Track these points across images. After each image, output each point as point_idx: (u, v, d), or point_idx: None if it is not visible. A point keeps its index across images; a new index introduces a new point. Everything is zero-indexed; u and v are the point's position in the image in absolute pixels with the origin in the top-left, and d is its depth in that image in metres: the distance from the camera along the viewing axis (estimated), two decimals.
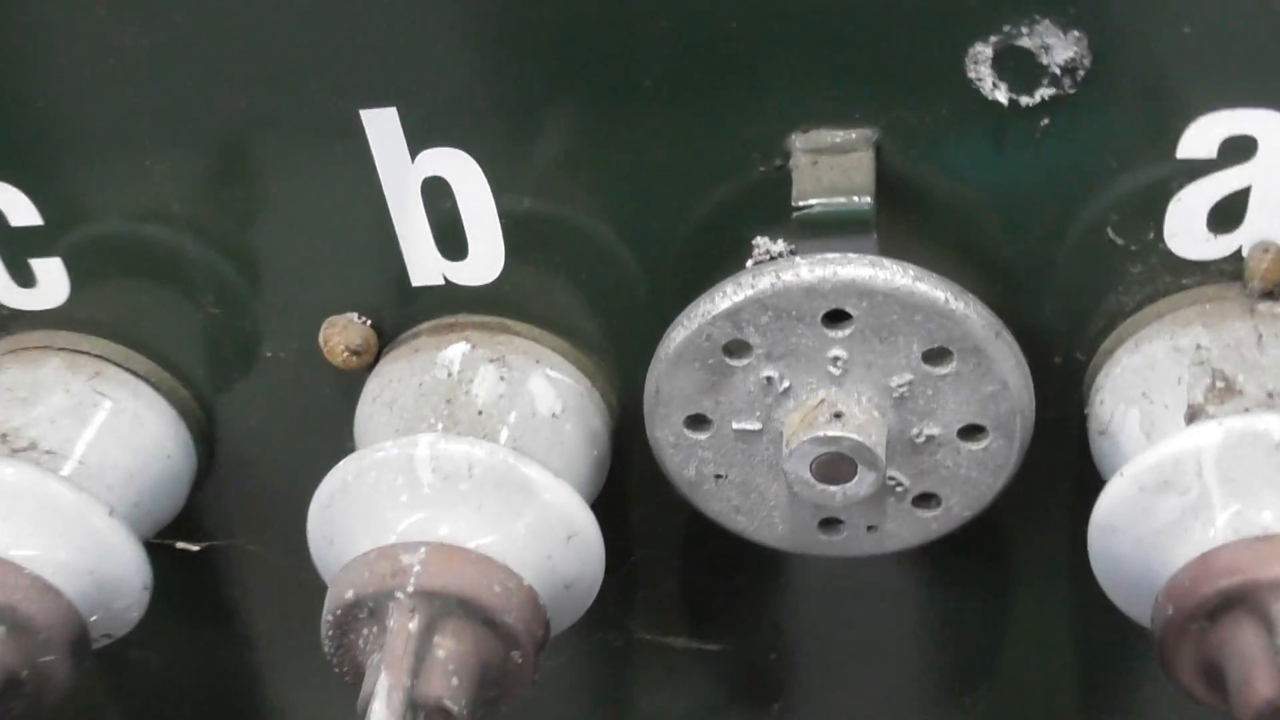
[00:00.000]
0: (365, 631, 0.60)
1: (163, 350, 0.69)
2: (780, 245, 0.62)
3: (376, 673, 0.58)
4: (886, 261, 0.58)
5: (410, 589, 0.59)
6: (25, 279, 0.67)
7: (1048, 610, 0.74)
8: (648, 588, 0.76)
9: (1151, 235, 0.60)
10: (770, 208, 0.61)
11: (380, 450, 0.61)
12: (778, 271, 0.59)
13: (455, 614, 0.59)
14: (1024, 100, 0.57)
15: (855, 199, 0.58)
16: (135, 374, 0.69)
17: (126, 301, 0.68)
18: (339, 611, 0.60)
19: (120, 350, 0.69)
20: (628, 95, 0.59)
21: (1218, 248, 0.60)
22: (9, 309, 0.69)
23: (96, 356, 0.69)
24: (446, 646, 0.59)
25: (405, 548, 0.60)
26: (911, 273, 0.58)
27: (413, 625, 0.58)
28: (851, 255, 0.58)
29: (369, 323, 0.67)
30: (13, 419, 0.66)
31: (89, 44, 0.60)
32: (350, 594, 0.60)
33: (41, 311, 0.68)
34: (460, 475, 0.61)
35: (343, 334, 0.66)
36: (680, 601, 0.77)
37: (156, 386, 0.69)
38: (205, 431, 0.71)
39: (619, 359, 0.67)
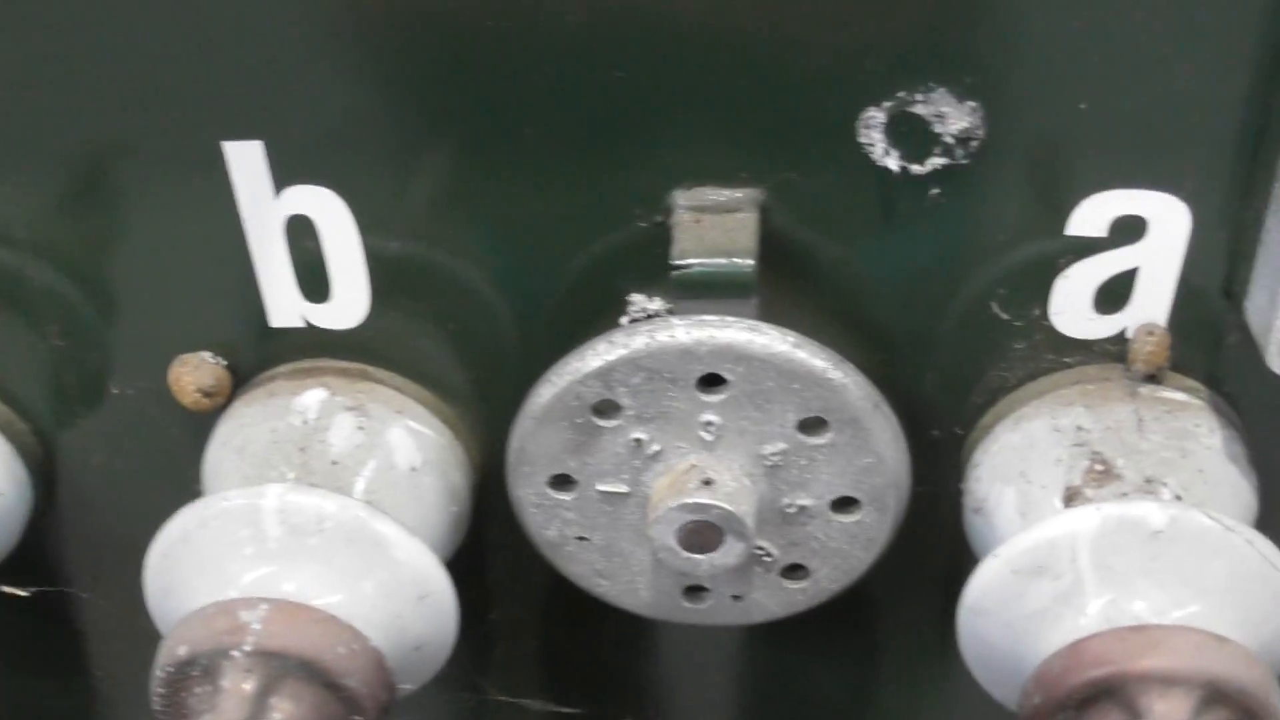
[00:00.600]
0: (198, 690, 0.57)
1: (1, 382, 0.65)
2: (657, 304, 0.60)
3: None
4: (765, 327, 0.56)
5: (248, 648, 0.55)
6: None
7: (915, 686, 0.72)
8: (504, 648, 0.73)
9: (1037, 312, 0.59)
10: (649, 264, 0.59)
11: (225, 499, 0.58)
12: (652, 331, 0.56)
13: (294, 676, 0.56)
14: (914, 168, 0.55)
15: (737, 260, 0.56)
16: None
17: None
18: (170, 669, 0.57)
19: None
20: (507, 141, 0.57)
21: (1102, 328, 0.59)
22: None
23: None
24: (284, 710, 0.56)
25: (245, 604, 0.56)
26: (791, 339, 0.56)
27: (248, 686, 0.55)
28: (730, 318, 0.56)
29: (223, 363, 0.64)
30: None
31: None
32: (183, 650, 0.56)
33: None
34: (309, 529, 0.58)
35: (194, 373, 0.63)
36: (538, 663, 0.74)
37: None
38: (44, 469, 0.67)
39: (484, 412, 0.65)
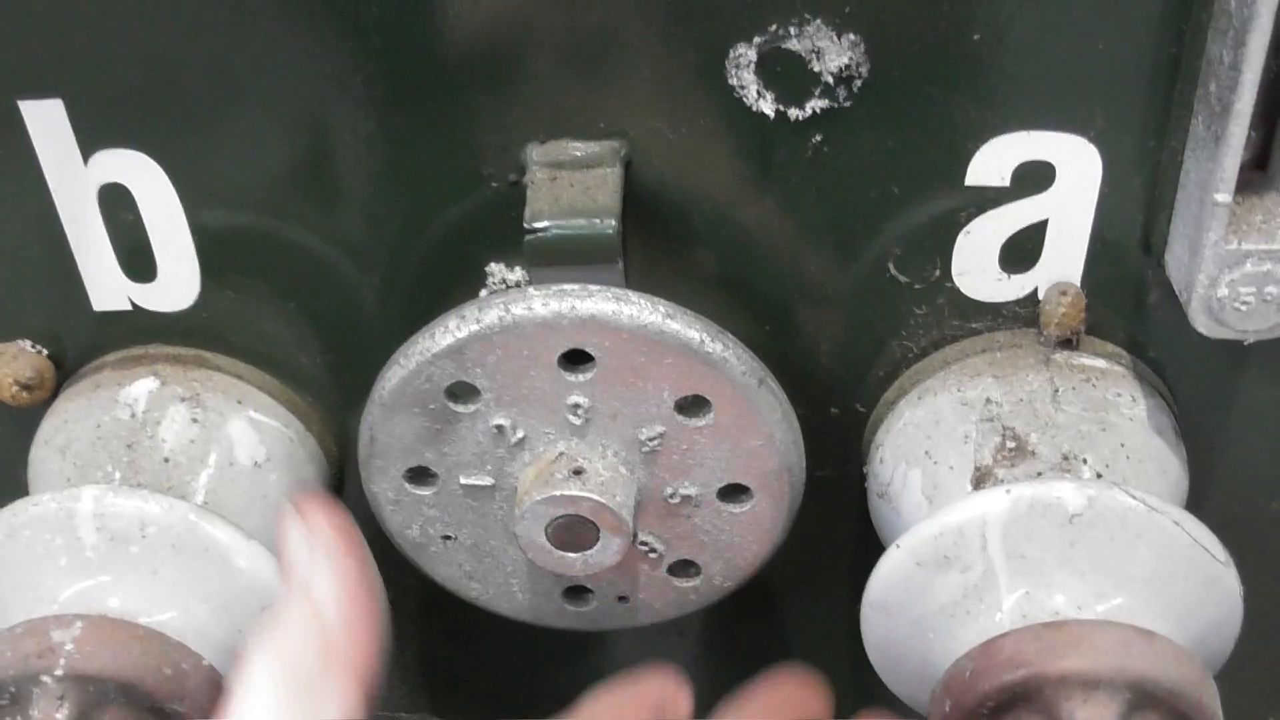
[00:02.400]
0: None
1: None
2: (518, 274, 0.54)
3: None
4: (633, 296, 0.50)
5: (59, 672, 0.49)
6: None
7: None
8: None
9: (938, 273, 0.53)
10: (506, 230, 0.53)
11: (35, 504, 0.52)
12: (507, 304, 0.50)
13: (115, 702, 0.50)
14: (793, 113, 0.50)
15: (598, 221, 0.50)
16: None
17: None
18: None
19: None
20: (336, 95, 0.51)
21: (1011, 289, 0.54)
22: None
23: None
24: None
25: (58, 622, 0.50)
26: (662, 309, 0.50)
27: (60, 715, 0.49)
28: (593, 287, 0.50)
29: (44, 352, 0.57)
30: None
31: None
32: None
33: None
34: (131, 536, 0.52)
35: (11, 365, 0.57)
36: (418, 672, 0.68)
37: None
38: None
39: (339, 398, 0.59)
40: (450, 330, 0.51)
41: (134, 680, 0.50)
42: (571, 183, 0.51)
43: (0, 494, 0.56)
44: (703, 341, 0.50)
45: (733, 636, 0.65)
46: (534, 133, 0.51)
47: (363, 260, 0.55)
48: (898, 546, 0.51)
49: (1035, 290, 0.53)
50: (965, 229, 0.52)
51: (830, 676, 0.65)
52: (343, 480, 0.61)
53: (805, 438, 0.54)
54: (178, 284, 0.55)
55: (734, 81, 0.49)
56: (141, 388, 0.56)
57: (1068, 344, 0.54)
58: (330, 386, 0.58)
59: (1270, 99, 0.46)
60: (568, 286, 0.50)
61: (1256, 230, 0.47)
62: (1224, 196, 0.46)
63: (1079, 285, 0.53)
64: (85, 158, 0.52)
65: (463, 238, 0.54)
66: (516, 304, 0.50)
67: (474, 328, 0.51)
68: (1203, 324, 0.49)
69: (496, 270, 0.54)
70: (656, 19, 0.48)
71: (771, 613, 0.64)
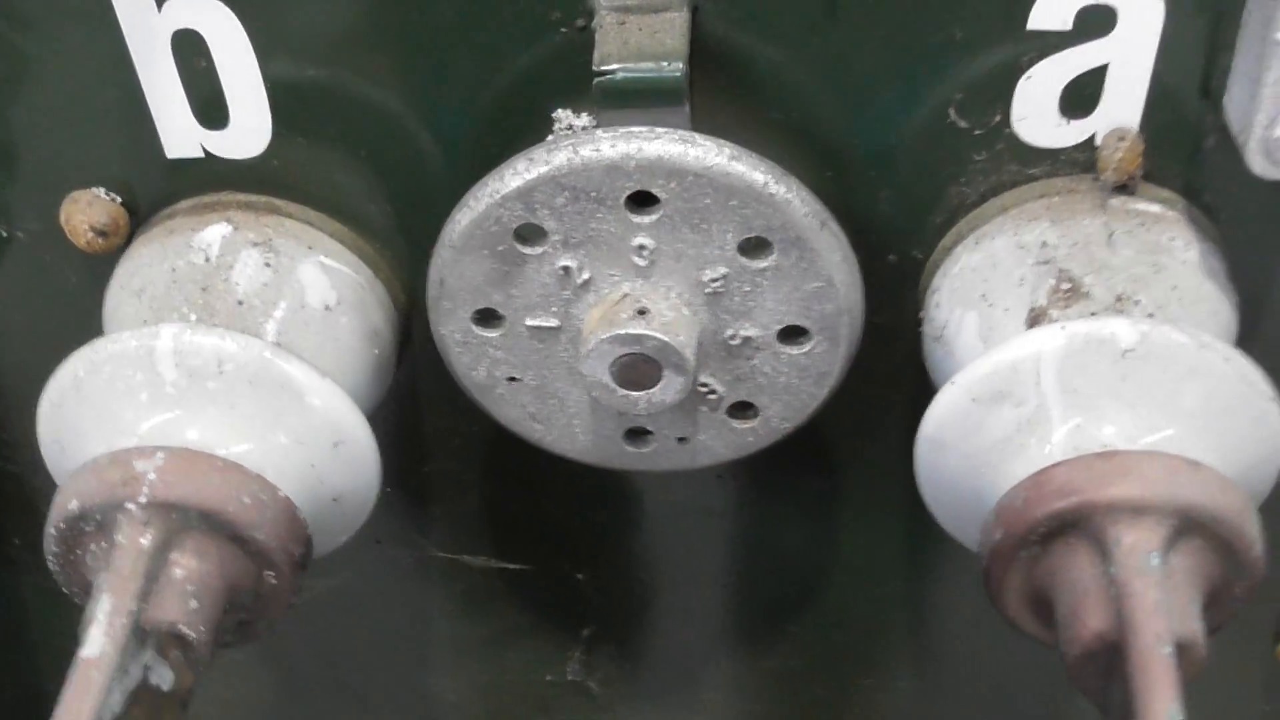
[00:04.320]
0: (94, 547, 0.53)
1: None
2: (584, 119, 0.55)
3: (99, 594, 0.50)
4: (700, 138, 0.51)
5: (143, 500, 0.51)
6: None
7: (878, 531, 0.68)
8: (443, 502, 0.69)
9: (998, 118, 0.54)
10: (573, 75, 0.54)
11: (116, 341, 0.54)
12: (575, 146, 0.51)
13: (196, 529, 0.52)
14: None
15: (665, 65, 0.51)
16: None
17: None
18: (62, 525, 0.53)
19: None
20: None
21: (1070, 134, 0.54)
22: None
23: None
24: (185, 565, 0.52)
25: (140, 453, 0.52)
26: (728, 151, 0.51)
27: (145, 541, 0.51)
28: (660, 130, 0.51)
29: (118, 199, 0.59)
30: None
31: None
32: (74, 504, 0.52)
33: None
34: (208, 372, 0.53)
35: (86, 211, 0.58)
36: (479, 517, 0.70)
37: None
38: None
39: (407, 246, 0.60)
40: (519, 172, 0.52)
41: (215, 508, 0.52)
42: (640, 26, 0.51)
43: (78, 339, 0.58)
44: (766, 183, 0.52)
45: (789, 480, 0.67)
46: None
47: (432, 108, 0.56)
48: (953, 383, 0.53)
49: (1093, 136, 0.54)
50: (1026, 74, 0.53)
51: (882, 519, 0.67)
52: (410, 328, 0.62)
53: (864, 284, 0.56)
54: (250, 132, 0.57)
55: None
56: (214, 233, 0.57)
57: (1124, 189, 0.54)
58: (399, 234, 0.60)
59: None
60: (635, 129, 0.51)
61: None
62: None
63: (1137, 130, 0.54)
64: (159, 3, 0.53)
65: (530, 83, 0.55)
66: (584, 146, 0.51)
67: (542, 169, 0.52)
68: (1259, 165, 0.50)
69: (564, 116, 0.55)
70: None
71: (827, 456, 0.66)
